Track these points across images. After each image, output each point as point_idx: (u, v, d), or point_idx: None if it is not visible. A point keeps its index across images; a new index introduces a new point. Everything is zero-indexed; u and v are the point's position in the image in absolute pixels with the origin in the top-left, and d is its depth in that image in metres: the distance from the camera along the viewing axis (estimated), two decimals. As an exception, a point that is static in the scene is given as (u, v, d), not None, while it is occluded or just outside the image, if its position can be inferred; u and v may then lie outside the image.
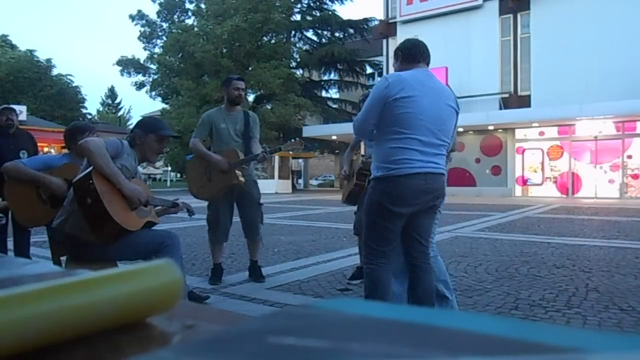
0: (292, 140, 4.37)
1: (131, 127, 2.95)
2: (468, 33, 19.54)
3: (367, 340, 0.22)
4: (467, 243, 6.14)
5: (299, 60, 27.82)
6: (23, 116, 19.97)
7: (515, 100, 18.99)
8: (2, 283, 0.42)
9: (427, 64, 2.65)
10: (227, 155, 3.88)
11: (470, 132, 17.93)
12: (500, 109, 18.84)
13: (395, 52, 2.70)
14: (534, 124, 17.81)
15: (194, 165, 4.05)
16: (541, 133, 18.44)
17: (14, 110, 4.17)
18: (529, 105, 18.34)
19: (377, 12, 47.59)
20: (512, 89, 19.30)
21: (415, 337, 0.22)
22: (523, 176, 18.82)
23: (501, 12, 19.43)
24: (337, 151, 27.43)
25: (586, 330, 0.22)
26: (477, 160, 19.07)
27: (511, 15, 19.36)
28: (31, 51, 31.87)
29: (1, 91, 28.02)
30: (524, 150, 18.84)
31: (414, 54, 2.61)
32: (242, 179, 3.83)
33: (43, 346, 0.25)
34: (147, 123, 2.88)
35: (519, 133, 18.75)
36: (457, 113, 2.65)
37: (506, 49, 19.42)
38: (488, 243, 6.19)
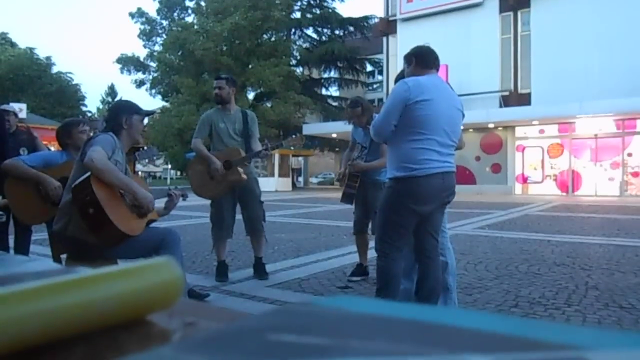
0: (293, 136, 4.37)
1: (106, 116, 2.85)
2: (468, 31, 19.52)
3: (367, 338, 0.21)
4: (467, 241, 6.14)
5: (299, 58, 27.79)
6: (23, 114, 19.90)
7: (515, 98, 18.99)
8: (1, 280, 0.41)
9: (437, 70, 2.79)
10: (228, 153, 3.89)
11: (471, 129, 17.92)
12: (501, 106, 18.84)
13: (408, 57, 2.80)
14: (534, 122, 17.81)
15: (196, 164, 4.06)
16: (541, 131, 18.44)
17: (9, 111, 4.16)
18: (529, 103, 18.34)
19: (377, 10, 47.53)
20: (512, 87, 19.30)
21: (416, 335, 0.22)
22: (523, 174, 18.83)
23: (501, 10, 19.42)
24: (337, 149, 27.43)
25: (586, 328, 0.22)
26: (477, 158, 19.07)
27: (511, 13, 19.34)
28: (31, 49, 31.85)
29: (1, 89, 28.00)
30: (524, 148, 18.85)
31: (427, 61, 2.75)
32: (244, 176, 3.84)
33: (43, 343, 0.25)
34: (128, 106, 2.81)
35: (519, 131, 18.75)
36: (463, 116, 2.84)
37: (506, 47, 19.41)
38: (488, 241, 6.19)
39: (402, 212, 2.64)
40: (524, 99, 18.68)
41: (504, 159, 18.92)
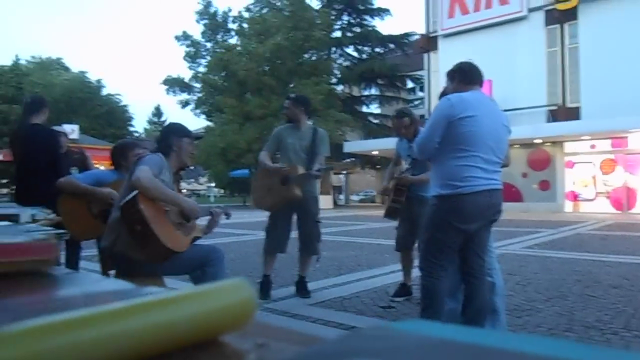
0: (347, 161, 4.41)
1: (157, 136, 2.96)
2: (513, 45, 19.13)
3: None
4: (515, 260, 5.92)
5: (339, 76, 27.99)
6: (75, 135, 20.90)
7: (563, 112, 18.37)
8: (80, 300, 0.44)
9: (481, 85, 2.76)
10: (288, 170, 3.97)
11: (516, 145, 17.42)
12: (548, 121, 18.26)
13: (451, 73, 2.79)
14: (584, 137, 17.14)
15: (259, 177, 4.20)
16: (592, 146, 17.70)
17: (61, 132, 4.37)
18: (578, 118, 17.70)
19: (417, 27, 47.48)
20: (560, 101, 18.70)
21: None
22: (573, 191, 18.10)
23: (547, 23, 18.96)
24: (378, 166, 27.28)
25: None
26: (524, 175, 18.49)
27: (558, 26, 18.85)
28: (83, 72, 33.53)
29: (56, 111, 29.48)
30: (573, 164, 18.14)
31: (470, 77, 2.73)
32: (299, 193, 3.88)
33: None
34: (179, 128, 2.90)
35: (569, 146, 18.08)
36: (510, 132, 2.79)
37: (553, 60, 18.88)
38: (537, 261, 5.95)
39: (446, 230, 2.60)
40: (573, 114, 18.04)
41: (552, 175, 18.27)
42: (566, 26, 18.77)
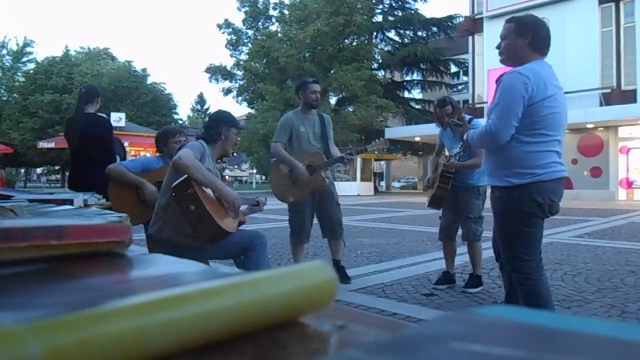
0: (377, 140, 4.29)
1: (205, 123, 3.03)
2: (563, 25, 18.27)
3: (561, 352, 0.20)
4: (564, 250, 5.72)
5: (380, 61, 27.62)
6: (122, 123, 21.57)
7: (618, 95, 17.48)
8: (163, 279, 0.46)
9: (544, 57, 2.40)
10: (310, 157, 3.90)
11: (566, 130, 16.70)
12: (601, 105, 17.43)
13: (522, 27, 2.30)
14: (640, 121, 16.30)
15: (277, 169, 4.06)
16: (649, 131, 16.82)
17: None
18: (634, 101, 16.80)
19: (462, 9, 46.07)
20: (614, 84, 17.79)
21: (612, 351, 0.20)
22: (628, 178, 17.26)
23: (601, 1, 18.00)
24: (420, 153, 26.89)
25: None
26: (574, 161, 17.78)
27: (612, 4, 17.88)
28: (129, 62, 34.37)
29: (104, 100, 30.51)
30: (628, 150, 17.29)
31: (544, 45, 2.34)
32: (327, 180, 3.86)
33: (214, 341, 0.26)
34: (229, 118, 2.93)
35: (623, 131, 17.23)
36: None
37: (607, 41, 17.94)
38: (588, 250, 5.73)
39: (533, 221, 2.31)
40: (629, 97, 17.14)
41: (605, 161, 17.49)
42: (622, 4, 17.78)
